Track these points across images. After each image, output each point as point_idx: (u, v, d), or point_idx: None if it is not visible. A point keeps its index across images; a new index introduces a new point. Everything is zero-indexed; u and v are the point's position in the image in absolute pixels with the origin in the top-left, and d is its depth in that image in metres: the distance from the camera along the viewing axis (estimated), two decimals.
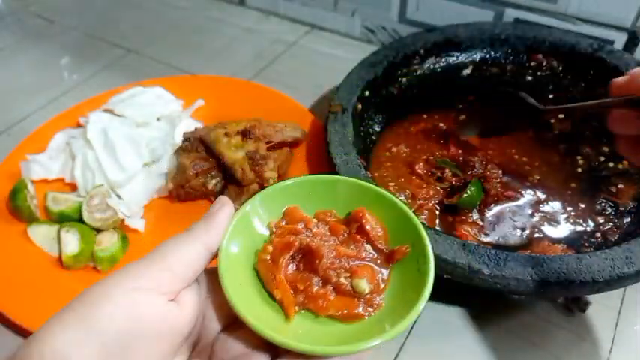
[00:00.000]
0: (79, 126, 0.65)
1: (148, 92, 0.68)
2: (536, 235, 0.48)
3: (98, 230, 0.54)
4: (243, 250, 0.29)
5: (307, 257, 0.28)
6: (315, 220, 0.30)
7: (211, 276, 0.28)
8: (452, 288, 0.46)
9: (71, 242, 0.51)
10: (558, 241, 0.48)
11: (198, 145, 0.57)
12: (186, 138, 0.58)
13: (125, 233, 0.54)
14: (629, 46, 0.63)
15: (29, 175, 0.58)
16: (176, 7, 0.96)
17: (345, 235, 0.30)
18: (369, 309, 0.27)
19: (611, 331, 0.46)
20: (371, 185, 0.31)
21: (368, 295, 0.27)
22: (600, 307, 0.47)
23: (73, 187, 0.59)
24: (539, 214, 0.50)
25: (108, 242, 0.52)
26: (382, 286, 0.28)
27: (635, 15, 0.61)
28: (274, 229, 0.30)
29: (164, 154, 0.61)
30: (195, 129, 0.60)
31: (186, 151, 0.57)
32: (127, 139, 0.60)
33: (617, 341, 0.45)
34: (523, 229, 0.49)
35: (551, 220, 0.50)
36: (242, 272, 0.28)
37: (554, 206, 0.51)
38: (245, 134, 0.57)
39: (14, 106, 0.75)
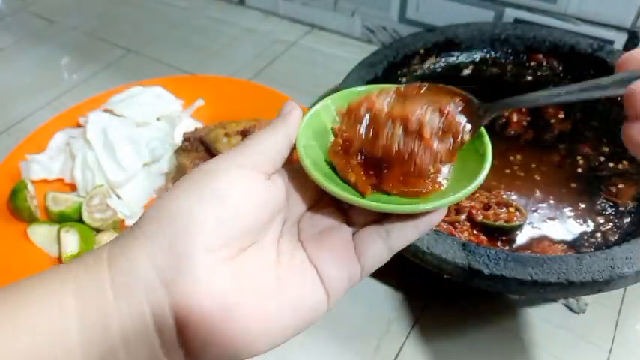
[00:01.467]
0: (78, 126, 0.65)
1: (147, 92, 0.68)
2: (536, 235, 0.48)
3: (98, 230, 0.54)
4: (316, 143, 0.32)
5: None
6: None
7: (290, 170, 0.32)
8: (452, 288, 0.46)
9: (71, 242, 0.51)
10: (558, 241, 0.48)
11: (198, 145, 0.57)
12: (186, 138, 0.58)
13: None
14: (629, 46, 0.63)
15: (29, 175, 0.58)
16: (176, 7, 0.96)
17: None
18: (435, 186, 0.30)
19: (611, 331, 0.46)
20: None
21: (432, 176, 0.30)
22: (600, 307, 0.47)
23: (73, 187, 0.59)
24: (540, 214, 0.50)
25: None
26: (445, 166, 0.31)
27: (635, 15, 0.61)
28: (338, 132, 0.33)
29: (164, 154, 0.61)
30: (195, 129, 0.60)
31: (186, 151, 0.57)
32: (127, 139, 0.60)
33: (617, 341, 0.45)
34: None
35: (551, 220, 0.50)
36: (318, 159, 0.32)
37: (555, 206, 0.51)
38: (245, 134, 0.57)
39: (14, 106, 0.75)
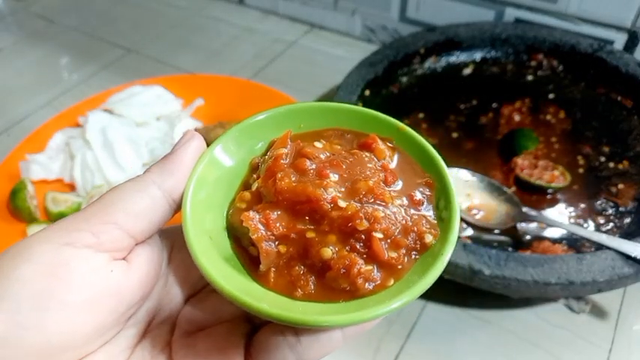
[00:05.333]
0: (78, 126, 0.65)
1: (147, 91, 0.68)
2: (537, 235, 0.48)
3: None
4: (215, 197, 0.23)
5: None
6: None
7: (175, 231, 0.23)
8: (452, 288, 0.46)
9: None
10: (559, 241, 0.48)
11: None
12: None
13: None
14: (629, 46, 0.63)
15: (29, 175, 0.58)
16: (176, 6, 0.96)
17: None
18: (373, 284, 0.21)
19: (611, 331, 0.46)
20: (377, 113, 0.25)
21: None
22: (600, 307, 0.47)
23: (73, 187, 0.59)
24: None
25: None
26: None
27: (635, 15, 0.61)
28: (253, 174, 0.24)
29: (163, 154, 0.61)
30: (195, 128, 0.60)
31: None
32: (126, 139, 0.60)
33: (617, 341, 0.45)
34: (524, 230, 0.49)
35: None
36: (214, 223, 0.22)
37: (555, 207, 0.51)
38: None
39: (14, 106, 0.74)
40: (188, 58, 0.82)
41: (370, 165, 0.23)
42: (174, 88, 0.70)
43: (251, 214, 0.21)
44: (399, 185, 0.23)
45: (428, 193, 0.23)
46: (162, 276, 0.23)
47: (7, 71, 0.82)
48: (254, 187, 0.23)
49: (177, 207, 0.22)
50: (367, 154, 0.23)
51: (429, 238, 0.21)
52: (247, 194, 0.23)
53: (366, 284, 0.20)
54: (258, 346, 0.22)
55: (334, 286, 0.21)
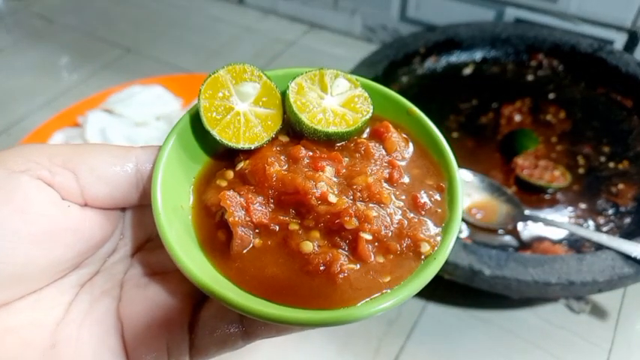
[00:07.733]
0: (78, 126, 0.65)
1: (147, 91, 0.68)
2: (537, 235, 0.48)
3: None
4: (183, 171, 0.21)
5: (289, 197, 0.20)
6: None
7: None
8: (452, 288, 0.46)
9: None
10: (559, 241, 0.48)
11: None
12: None
13: None
14: (629, 46, 0.63)
15: None
16: (176, 5, 0.96)
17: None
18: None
19: (611, 331, 0.46)
20: (386, 90, 0.23)
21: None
22: (600, 307, 0.47)
23: None
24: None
25: None
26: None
27: (635, 15, 0.61)
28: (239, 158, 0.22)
29: None
30: None
31: None
32: (126, 139, 0.60)
33: (617, 341, 0.45)
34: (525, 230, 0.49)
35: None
36: (180, 199, 0.21)
37: (555, 207, 0.51)
38: None
39: (14, 106, 0.74)
40: (188, 57, 0.82)
41: (376, 159, 0.21)
42: (174, 88, 0.70)
43: (230, 193, 0.20)
44: (404, 184, 0.21)
45: (437, 197, 0.20)
46: (120, 219, 0.22)
47: (7, 71, 0.81)
48: (239, 166, 0.21)
49: (144, 194, 0.20)
50: (376, 145, 0.22)
51: (425, 248, 0.19)
52: (230, 173, 0.21)
53: (345, 284, 0.18)
54: (209, 304, 0.21)
55: (311, 285, 0.18)
